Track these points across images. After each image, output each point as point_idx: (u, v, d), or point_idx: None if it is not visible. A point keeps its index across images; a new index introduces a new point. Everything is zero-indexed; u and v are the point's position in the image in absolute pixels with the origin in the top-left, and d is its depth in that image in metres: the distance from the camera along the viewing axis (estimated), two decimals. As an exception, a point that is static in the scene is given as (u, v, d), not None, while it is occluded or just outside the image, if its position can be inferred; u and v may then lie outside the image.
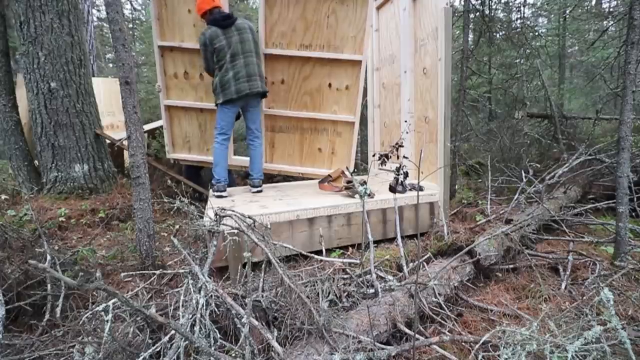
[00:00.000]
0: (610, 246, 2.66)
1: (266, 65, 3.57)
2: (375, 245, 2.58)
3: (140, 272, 2.24)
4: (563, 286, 2.32)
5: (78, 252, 2.67)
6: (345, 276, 2.15)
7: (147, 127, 5.62)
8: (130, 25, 15.63)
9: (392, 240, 2.86)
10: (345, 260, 2.32)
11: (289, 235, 2.60)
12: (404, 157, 3.04)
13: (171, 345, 1.46)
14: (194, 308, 1.56)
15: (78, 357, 1.40)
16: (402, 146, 2.99)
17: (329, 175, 3.45)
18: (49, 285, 2.02)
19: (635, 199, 3.32)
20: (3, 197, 3.56)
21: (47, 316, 1.89)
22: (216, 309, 1.68)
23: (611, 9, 9.52)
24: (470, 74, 5.88)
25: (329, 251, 2.67)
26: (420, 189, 3.08)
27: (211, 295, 1.66)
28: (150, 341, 1.57)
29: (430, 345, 1.64)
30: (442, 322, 1.98)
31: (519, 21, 8.75)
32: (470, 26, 5.58)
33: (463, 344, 1.76)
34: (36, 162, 3.96)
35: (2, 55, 3.78)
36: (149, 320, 1.60)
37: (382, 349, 1.57)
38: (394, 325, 1.80)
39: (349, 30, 3.47)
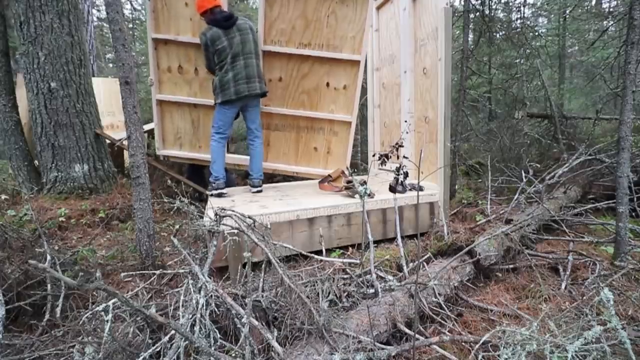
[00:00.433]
0: (610, 246, 2.66)
1: (264, 62, 3.56)
2: (375, 245, 2.58)
3: (140, 272, 2.24)
4: (563, 286, 2.31)
5: (78, 252, 2.67)
6: (345, 276, 2.15)
7: (147, 127, 5.62)
8: (130, 25, 15.63)
9: (392, 240, 2.86)
10: (345, 260, 2.32)
11: (289, 235, 2.60)
12: (404, 157, 3.04)
13: (171, 345, 1.46)
14: (194, 308, 1.56)
15: (78, 357, 1.40)
16: (402, 146, 2.99)
17: (329, 175, 3.45)
18: (49, 285, 2.02)
19: (635, 199, 3.32)
20: (3, 197, 3.56)
21: (47, 316, 1.89)
22: (216, 309, 1.68)
23: (611, 9, 9.52)
24: (470, 74, 5.88)
25: (329, 251, 2.67)
26: (420, 189, 3.08)
27: (211, 295, 1.66)
28: (150, 341, 1.57)
29: (430, 345, 1.64)
30: (442, 322, 1.98)
31: (519, 21, 8.76)
32: (470, 26, 5.58)
33: (463, 344, 1.76)
34: (36, 162, 3.96)
35: (2, 55, 3.78)
36: (149, 320, 1.60)
37: (382, 349, 1.57)
38: (394, 325, 1.80)
39: (348, 30, 3.47)
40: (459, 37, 6.53)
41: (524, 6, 9.93)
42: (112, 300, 1.31)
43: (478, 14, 5.40)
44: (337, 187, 3.21)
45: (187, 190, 2.86)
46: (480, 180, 4.90)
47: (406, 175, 3.09)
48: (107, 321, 1.27)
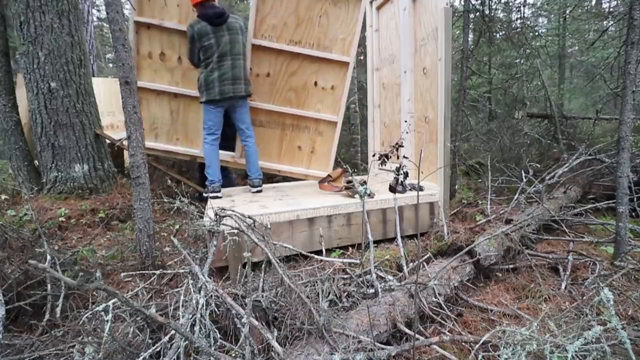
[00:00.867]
0: (610, 246, 2.66)
1: (253, 56, 3.51)
2: (375, 245, 2.58)
3: (140, 272, 2.24)
4: (563, 286, 2.32)
5: (78, 252, 2.67)
6: (345, 276, 2.15)
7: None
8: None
9: (392, 240, 2.86)
10: (345, 260, 2.32)
11: (289, 235, 2.60)
12: (404, 157, 3.05)
13: (171, 345, 1.46)
14: (194, 308, 1.56)
15: (78, 357, 1.40)
16: (402, 146, 2.99)
17: (329, 175, 3.45)
18: (49, 285, 2.02)
19: (635, 199, 3.32)
20: (3, 197, 3.57)
21: (47, 316, 1.89)
22: (216, 309, 1.68)
23: (611, 9, 9.53)
24: (470, 74, 5.88)
25: (329, 251, 2.67)
26: (420, 189, 3.08)
27: (211, 295, 1.66)
28: (150, 341, 1.57)
29: (430, 345, 1.64)
30: (442, 322, 1.98)
31: (519, 21, 8.76)
32: (470, 26, 5.58)
33: (463, 344, 1.76)
34: (36, 162, 3.96)
35: (2, 55, 3.78)
36: (149, 320, 1.60)
37: (382, 349, 1.57)
38: (394, 325, 1.80)
39: (339, 31, 3.48)
40: (459, 37, 6.54)
41: (524, 6, 9.93)
42: (112, 300, 1.31)
43: (478, 14, 5.40)
44: (337, 187, 3.21)
45: (187, 190, 2.86)
46: (480, 180, 4.90)
47: (406, 175, 3.09)
48: (107, 321, 1.27)
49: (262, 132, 3.81)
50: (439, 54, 3.01)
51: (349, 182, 3.04)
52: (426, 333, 1.87)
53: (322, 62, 3.54)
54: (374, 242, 2.38)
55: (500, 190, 4.28)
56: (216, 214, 2.05)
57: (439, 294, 2.09)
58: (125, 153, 5.10)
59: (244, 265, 2.14)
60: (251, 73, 3.55)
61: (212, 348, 1.46)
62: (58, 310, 1.91)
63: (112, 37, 2.24)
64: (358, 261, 2.24)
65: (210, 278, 1.85)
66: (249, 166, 3.43)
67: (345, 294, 1.99)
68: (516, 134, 5.51)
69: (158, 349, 1.47)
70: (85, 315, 1.69)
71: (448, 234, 2.78)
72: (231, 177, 4.39)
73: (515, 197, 3.22)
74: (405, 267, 2.31)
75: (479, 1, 5.51)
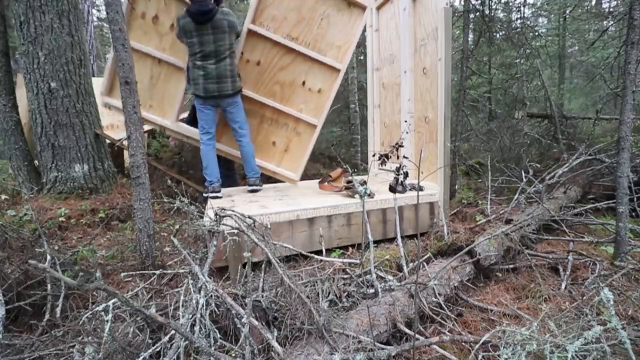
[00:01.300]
0: (610, 246, 2.66)
1: (247, 42, 3.47)
2: (375, 245, 2.58)
3: (140, 272, 2.24)
4: (563, 286, 2.32)
5: (78, 252, 2.67)
6: (345, 276, 2.15)
7: (147, 127, 5.62)
8: (130, 25, 15.59)
9: (392, 240, 2.86)
10: (345, 260, 2.32)
11: (289, 235, 2.60)
12: (404, 157, 3.05)
13: (171, 345, 1.46)
14: (194, 308, 1.56)
15: (78, 357, 1.40)
16: (402, 146, 2.99)
17: (329, 175, 3.45)
18: (49, 285, 2.02)
19: (635, 199, 3.32)
20: (3, 197, 3.57)
21: (47, 316, 1.89)
22: (216, 309, 1.68)
23: (611, 9, 9.53)
24: (470, 74, 5.89)
25: (329, 251, 2.67)
26: (420, 189, 3.08)
27: (211, 295, 1.66)
28: (150, 341, 1.57)
29: (430, 345, 1.64)
30: (442, 322, 1.98)
31: (519, 21, 8.76)
32: (470, 26, 5.59)
33: (463, 344, 1.77)
34: (36, 162, 3.96)
35: (2, 55, 3.78)
36: (149, 320, 1.60)
37: (382, 349, 1.57)
38: (394, 325, 1.80)
39: (337, 38, 3.46)
40: (459, 37, 6.54)
41: (524, 6, 9.93)
42: (112, 300, 1.31)
43: (478, 14, 5.40)
44: (337, 187, 3.21)
45: (187, 190, 2.86)
46: (480, 180, 4.90)
47: (406, 175, 3.09)
48: (107, 321, 1.27)
49: None
50: (439, 54, 3.01)
51: (349, 182, 3.04)
52: (426, 333, 1.87)
53: (314, 64, 3.52)
54: (374, 242, 2.38)
55: (500, 190, 4.28)
56: (216, 214, 2.05)
57: (439, 294, 2.09)
58: (125, 153, 5.10)
59: (244, 265, 2.14)
60: (241, 58, 3.49)
61: (212, 348, 1.46)
62: (58, 310, 1.91)
63: (112, 37, 2.24)
64: (358, 261, 2.24)
65: (210, 278, 1.85)
66: (244, 166, 3.42)
67: (345, 294, 1.99)
68: (516, 134, 5.51)
69: (158, 349, 1.47)
70: (85, 315, 1.69)
71: (448, 234, 2.78)
72: (234, 177, 4.38)
73: (515, 197, 3.22)
74: (405, 267, 2.31)
75: (479, 1, 5.51)
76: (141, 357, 1.35)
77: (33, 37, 3.55)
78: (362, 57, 7.76)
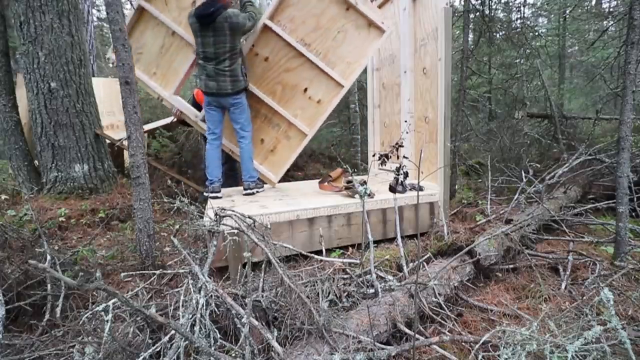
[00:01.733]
0: (610, 246, 2.66)
1: (261, 36, 3.47)
2: (375, 245, 2.58)
3: (140, 272, 2.24)
4: (563, 286, 2.32)
5: (78, 252, 2.67)
6: (345, 276, 2.15)
7: (147, 127, 5.62)
8: (130, 25, 15.60)
9: (392, 240, 2.86)
10: (345, 260, 2.32)
11: (289, 235, 2.60)
12: (404, 157, 3.05)
13: (171, 345, 1.46)
14: (194, 308, 1.56)
15: (78, 357, 1.40)
16: (402, 146, 2.99)
17: (329, 175, 3.45)
18: (49, 285, 2.02)
19: (635, 199, 3.32)
20: (3, 197, 3.57)
21: (47, 316, 1.89)
22: (216, 309, 1.68)
23: (611, 9, 9.53)
24: (470, 74, 5.89)
25: (329, 251, 2.67)
26: (420, 189, 3.08)
27: (211, 295, 1.66)
28: (150, 341, 1.57)
29: (430, 345, 1.64)
30: (442, 322, 1.98)
31: (519, 21, 8.76)
32: (470, 26, 5.59)
33: (463, 344, 1.77)
34: (36, 162, 3.96)
35: (2, 55, 3.78)
36: (149, 320, 1.60)
37: (382, 349, 1.57)
38: (394, 325, 1.80)
39: (349, 54, 3.43)
40: (459, 37, 6.54)
41: (524, 6, 9.93)
42: (112, 300, 1.31)
43: (478, 14, 5.40)
44: (337, 187, 3.21)
45: (187, 190, 2.86)
46: (480, 180, 4.90)
47: (406, 175, 3.09)
48: (107, 321, 1.27)
49: None
50: (439, 54, 3.01)
51: (349, 182, 3.04)
52: (426, 333, 1.87)
53: (320, 74, 3.48)
54: (374, 242, 2.38)
55: (500, 190, 4.28)
56: (216, 214, 2.05)
57: (439, 294, 2.09)
58: (125, 153, 5.10)
59: (244, 265, 2.14)
60: (251, 50, 3.50)
61: (212, 348, 1.46)
62: (58, 310, 1.92)
63: (112, 37, 2.24)
64: (358, 261, 2.24)
65: (210, 278, 1.85)
66: (241, 167, 3.41)
67: (345, 294, 1.99)
68: (516, 134, 5.51)
69: (158, 349, 1.47)
70: (85, 315, 1.69)
71: (448, 234, 2.78)
72: (237, 177, 4.37)
73: (515, 197, 3.22)
74: (405, 267, 2.31)
75: (479, 1, 5.51)
76: (141, 357, 1.35)
77: (33, 37, 3.55)
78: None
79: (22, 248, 2.33)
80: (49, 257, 2.14)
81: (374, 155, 3.63)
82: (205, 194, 3.26)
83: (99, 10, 13.91)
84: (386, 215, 2.91)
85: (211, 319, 1.60)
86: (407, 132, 3.46)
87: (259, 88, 3.61)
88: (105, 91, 6.31)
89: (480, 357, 1.46)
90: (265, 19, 3.40)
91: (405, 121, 3.58)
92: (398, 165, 3.05)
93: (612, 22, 7.76)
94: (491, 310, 2.09)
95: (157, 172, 4.43)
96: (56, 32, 3.62)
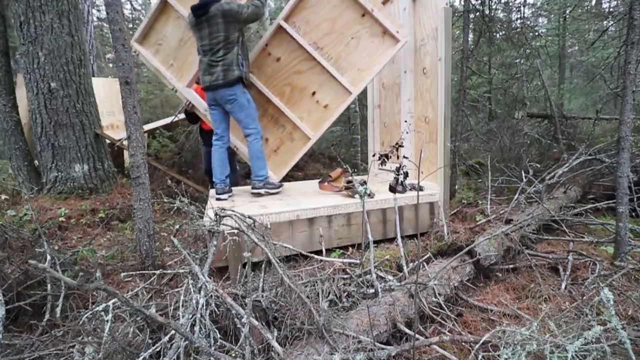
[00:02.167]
0: (610, 246, 2.66)
1: (275, 36, 3.48)
2: (375, 245, 2.58)
3: (140, 272, 2.24)
4: (563, 286, 2.32)
5: (78, 252, 2.67)
6: (345, 276, 2.15)
7: (147, 127, 5.62)
8: (130, 25, 15.63)
9: (392, 240, 2.86)
10: (345, 260, 2.32)
11: (289, 235, 2.60)
12: (404, 157, 3.05)
13: (171, 345, 1.46)
14: (194, 308, 1.56)
15: (78, 357, 1.40)
16: (402, 146, 2.99)
17: (329, 175, 3.45)
18: (49, 285, 2.02)
19: (635, 199, 3.32)
20: (3, 197, 3.57)
21: (47, 316, 1.89)
22: (216, 309, 1.68)
23: (611, 9, 9.53)
24: (470, 74, 5.89)
25: (329, 251, 2.67)
26: (420, 189, 3.08)
27: (211, 295, 1.66)
28: (150, 341, 1.57)
29: (430, 345, 1.64)
30: (442, 322, 1.98)
31: (519, 21, 8.75)
32: (470, 26, 5.58)
33: (463, 344, 1.76)
34: (36, 162, 3.97)
35: (2, 55, 3.79)
36: (149, 320, 1.60)
37: (382, 349, 1.57)
38: (394, 325, 1.80)
39: (361, 61, 3.40)
40: (459, 37, 6.53)
41: (524, 6, 9.92)
42: (112, 300, 1.31)
43: (478, 14, 5.40)
44: (337, 187, 3.21)
45: (187, 190, 2.86)
46: (480, 180, 4.90)
47: (406, 175, 3.09)
48: (107, 321, 1.27)
49: None
50: (439, 53, 3.01)
51: (349, 182, 3.04)
52: (426, 333, 1.87)
53: (330, 79, 3.45)
54: (374, 242, 2.38)
55: (500, 190, 4.28)
56: (216, 214, 2.05)
57: (439, 294, 2.09)
58: (125, 153, 5.11)
59: (244, 265, 2.14)
60: (264, 49, 3.50)
61: (212, 348, 1.46)
62: (58, 310, 1.92)
63: (112, 37, 2.24)
64: (358, 261, 2.24)
65: (210, 278, 1.85)
66: (250, 166, 3.33)
67: (345, 294, 1.99)
68: (516, 134, 5.51)
69: (158, 349, 1.47)
70: (85, 315, 1.69)
71: (448, 234, 2.78)
72: (236, 175, 4.37)
73: (515, 197, 3.22)
74: (405, 267, 2.31)
75: (479, 1, 5.51)
76: (141, 357, 1.35)
77: (33, 37, 3.56)
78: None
79: (22, 248, 2.33)
80: (49, 257, 2.14)
81: (374, 155, 3.63)
82: (211, 193, 3.22)
83: (99, 10, 13.91)
84: (386, 215, 2.91)
85: (211, 319, 1.60)
86: (407, 132, 3.46)
87: (269, 88, 3.61)
88: (105, 91, 6.32)
89: (480, 357, 1.46)
90: (281, 19, 3.40)
91: (405, 121, 3.58)
92: (398, 165, 3.05)
93: (612, 22, 7.75)
94: (491, 310, 2.09)
95: (157, 172, 4.43)
96: (56, 32, 3.63)
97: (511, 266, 2.54)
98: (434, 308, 2.03)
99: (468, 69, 4.71)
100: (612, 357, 1.32)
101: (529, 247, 2.77)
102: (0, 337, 1.53)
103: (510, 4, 8.77)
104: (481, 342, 1.55)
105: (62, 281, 1.77)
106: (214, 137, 3.24)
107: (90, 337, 1.58)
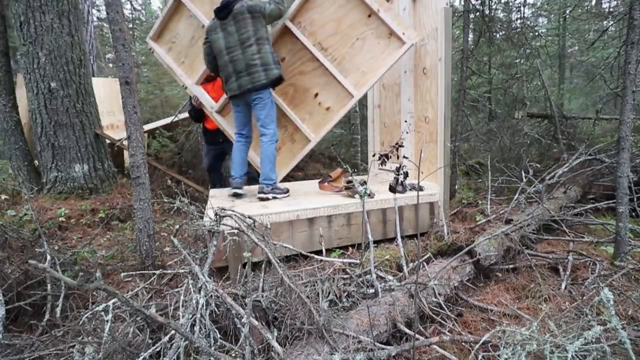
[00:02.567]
0: (610, 246, 2.66)
1: (279, 37, 3.45)
2: (375, 245, 2.58)
3: (140, 272, 2.24)
4: (563, 286, 2.32)
5: (78, 252, 2.67)
6: (345, 276, 2.15)
7: (147, 127, 5.63)
8: (130, 25, 15.63)
9: (392, 240, 2.86)
10: (345, 260, 2.32)
11: (289, 235, 2.60)
12: (404, 157, 3.05)
13: (171, 345, 1.46)
14: (194, 308, 1.56)
15: (78, 357, 1.40)
16: (402, 146, 2.99)
17: (329, 175, 3.44)
18: (49, 285, 2.02)
19: (635, 199, 3.32)
20: (3, 197, 3.57)
21: (47, 316, 1.89)
22: (216, 309, 1.68)
23: (611, 9, 9.53)
24: (470, 74, 5.89)
25: (329, 251, 2.67)
26: (420, 189, 3.08)
27: (211, 295, 1.66)
28: (150, 341, 1.57)
29: (430, 345, 1.64)
30: (442, 322, 1.98)
31: (519, 21, 8.75)
32: (470, 26, 5.58)
33: (463, 344, 1.76)
34: (36, 162, 3.97)
35: (2, 55, 3.79)
36: (149, 320, 1.60)
37: (382, 349, 1.57)
38: (394, 325, 1.80)
39: (365, 63, 3.34)
40: (459, 37, 6.54)
41: (524, 6, 9.92)
42: (112, 300, 1.31)
43: (478, 14, 5.40)
44: (337, 187, 3.21)
45: (187, 190, 2.86)
46: (480, 180, 4.90)
47: (406, 175, 3.09)
48: (107, 321, 1.27)
49: None
50: (439, 54, 3.01)
51: (349, 182, 3.04)
52: (426, 333, 1.87)
53: (333, 81, 3.41)
54: (374, 242, 2.38)
55: (500, 190, 4.28)
56: (216, 214, 2.05)
57: (439, 294, 2.09)
58: (125, 153, 5.11)
59: (244, 265, 2.14)
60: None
61: (212, 348, 1.46)
62: (58, 310, 1.92)
63: (112, 37, 2.25)
64: (358, 261, 2.24)
65: (210, 278, 1.85)
66: (260, 167, 3.20)
67: (345, 294, 1.99)
68: (516, 134, 5.51)
69: (158, 349, 1.47)
70: (85, 315, 1.69)
71: (448, 234, 2.78)
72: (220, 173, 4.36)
73: (515, 197, 3.22)
74: (405, 267, 2.31)
75: (479, 1, 5.51)
76: (141, 357, 1.35)
77: (33, 37, 3.56)
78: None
79: (22, 248, 2.33)
80: (49, 257, 2.14)
81: (374, 155, 3.63)
82: (232, 189, 3.16)
83: (99, 10, 13.92)
84: (386, 215, 2.91)
85: (211, 319, 1.60)
86: (407, 132, 3.46)
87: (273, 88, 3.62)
88: (105, 91, 6.32)
89: (480, 357, 1.46)
90: (287, 19, 3.38)
91: (405, 121, 3.57)
92: (398, 165, 3.05)
93: (612, 22, 7.76)
94: (491, 310, 2.09)
95: (157, 172, 4.43)
96: (56, 32, 3.63)
97: (511, 266, 2.54)
98: (434, 308, 2.03)
99: (468, 69, 4.71)
100: (612, 357, 1.32)
101: (529, 247, 2.77)
102: (0, 337, 1.53)
103: (510, 4, 8.78)
104: (481, 342, 1.55)
105: (62, 281, 1.77)
106: (238, 136, 3.18)
107: (90, 337, 1.58)
